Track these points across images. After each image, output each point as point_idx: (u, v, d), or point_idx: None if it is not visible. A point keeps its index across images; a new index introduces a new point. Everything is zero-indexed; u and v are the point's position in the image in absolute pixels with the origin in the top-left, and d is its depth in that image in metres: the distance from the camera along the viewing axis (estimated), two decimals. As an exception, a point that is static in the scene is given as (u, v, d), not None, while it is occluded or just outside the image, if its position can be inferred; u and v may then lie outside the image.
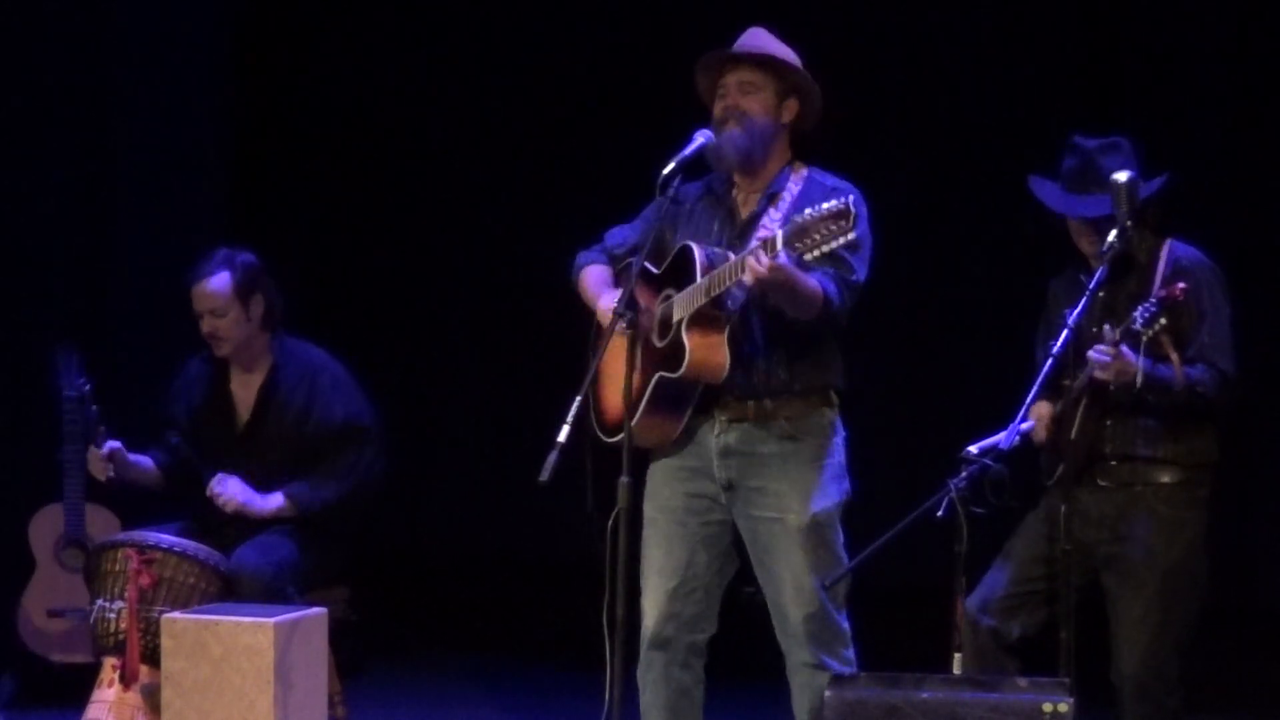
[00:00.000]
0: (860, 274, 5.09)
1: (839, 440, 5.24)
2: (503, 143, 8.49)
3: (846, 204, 4.67)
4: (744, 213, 5.24)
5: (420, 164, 8.61)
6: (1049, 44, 7.61)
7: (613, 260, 5.42)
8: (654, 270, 5.24)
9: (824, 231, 4.68)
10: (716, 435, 5.19)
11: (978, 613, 5.32)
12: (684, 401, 5.17)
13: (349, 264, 8.63)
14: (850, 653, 5.18)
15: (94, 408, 6.23)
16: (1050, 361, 5.04)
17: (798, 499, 5.13)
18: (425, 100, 8.60)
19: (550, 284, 8.25)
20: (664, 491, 5.26)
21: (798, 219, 4.74)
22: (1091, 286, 5.08)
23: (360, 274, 8.64)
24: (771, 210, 5.17)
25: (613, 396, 5.17)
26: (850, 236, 4.68)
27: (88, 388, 6.30)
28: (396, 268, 8.65)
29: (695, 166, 5.15)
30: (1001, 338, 7.28)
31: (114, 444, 6.19)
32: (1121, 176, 5.14)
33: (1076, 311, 5.01)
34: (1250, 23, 7.33)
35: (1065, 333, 4.98)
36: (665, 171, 4.98)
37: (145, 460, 6.31)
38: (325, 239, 8.59)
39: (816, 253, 4.72)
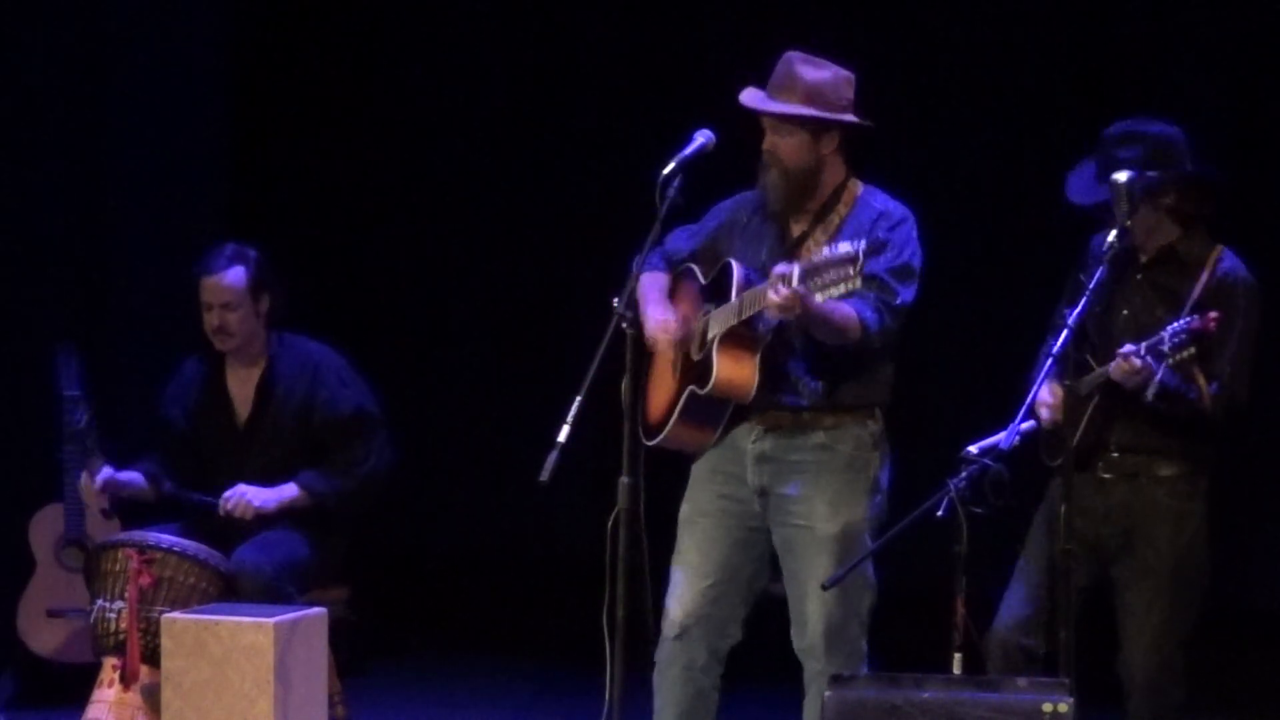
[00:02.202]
0: (904, 296, 5.11)
1: (879, 455, 5.23)
2: (504, 141, 8.49)
3: (856, 252, 4.70)
4: (794, 231, 5.26)
5: (421, 163, 8.61)
6: (1049, 46, 7.61)
7: (671, 266, 5.43)
8: (702, 280, 5.28)
9: (832, 275, 4.73)
10: (753, 441, 5.21)
11: (1006, 633, 5.30)
12: (716, 415, 5.20)
13: (349, 263, 8.63)
14: (865, 672, 5.15)
15: (94, 436, 6.22)
16: (1050, 362, 5.04)
17: (827, 507, 5.14)
18: (426, 98, 8.59)
19: (551, 283, 8.29)
20: (702, 494, 5.28)
21: (814, 258, 4.77)
22: (1091, 286, 5.08)
23: (360, 273, 8.64)
24: (818, 232, 5.20)
25: (656, 398, 5.24)
26: (856, 284, 4.71)
27: (83, 419, 6.28)
28: (397, 266, 8.65)
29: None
30: (1001, 337, 7.30)
31: (106, 474, 6.18)
32: (1120, 176, 5.14)
33: (1076, 313, 5.01)
34: (1251, 22, 7.33)
35: (1064, 333, 4.98)
36: (665, 171, 4.98)
37: (135, 477, 6.28)
38: (325, 238, 8.58)
39: (825, 294, 4.77)
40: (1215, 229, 5.41)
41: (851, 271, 4.69)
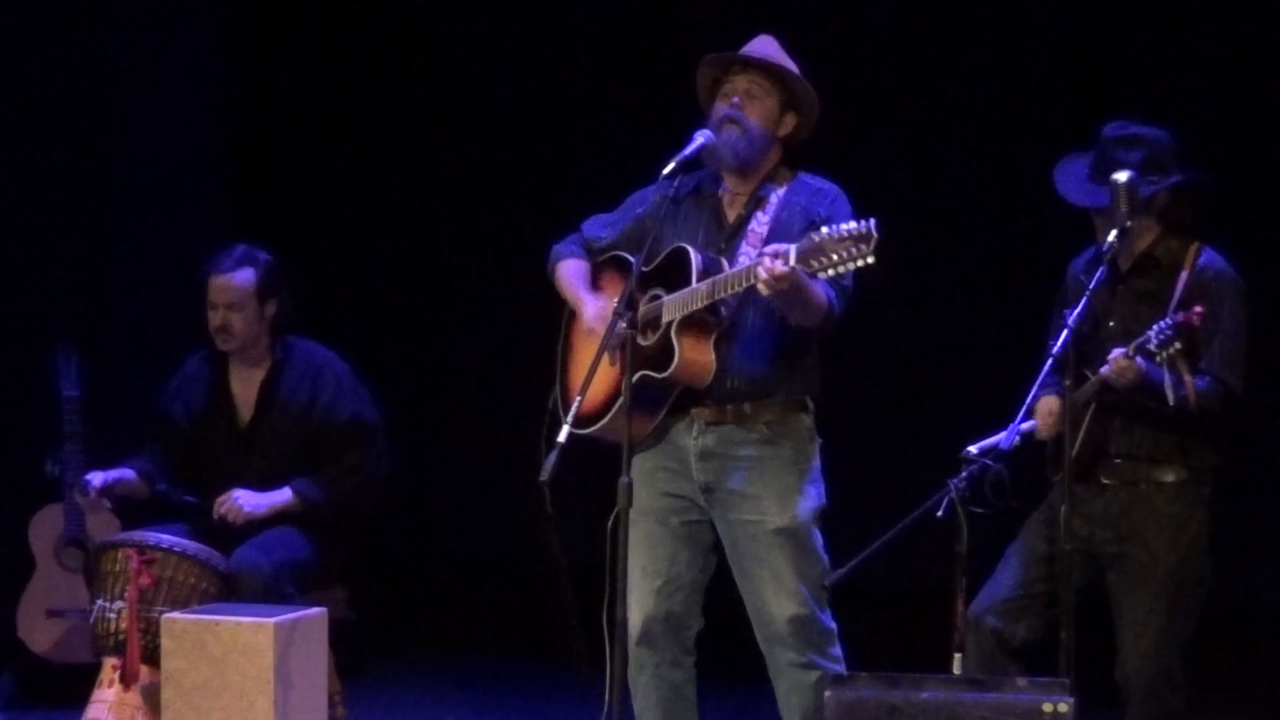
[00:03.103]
0: (849, 279, 5.07)
1: (814, 447, 5.26)
2: (505, 143, 8.48)
3: (869, 228, 4.69)
4: (730, 216, 5.26)
5: (421, 163, 8.60)
6: (1047, 43, 7.61)
7: (590, 254, 5.43)
8: (642, 268, 5.23)
9: (843, 253, 4.70)
10: (695, 438, 5.20)
11: (982, 615, 5.31)
12: (661, 402, 5.18)
13: (349, 264, 8.62)
14: (837, 650, 5.19)
15: (74, 471, 6.23)
16: (1050, 362, 5.04)
17: (777, 501, 5.15)
18: (427, 98, 8.59)
19: (551, 285, 8.27)
20: (643, 493, 5.22)
21: (815, 238, 4.75)
22: (1091, 287, 5.09)
23: (360, 274, 8.63)
24: (759, 214, 5.20)
25: (588, 388, 5.17)
26: (870, 260, 4.69)
27: (69, 454, 6.30)
28: (397, 268, 8.64)
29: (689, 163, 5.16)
30: (1001, 337, 7.29)
31: (95, 483, 6.16)
32: (1121, 176, 5.14)
33: (1076, 313, 5.01)
34: (1250, 20, 7.32)
35: (1065, 333, 4.98)
36: (665, 171, 4.98)
37: (126, 474, 6.27)
38: (325, 239, 8.58)
39: (831, 272, 4.75)
40: (1197, 229, 5.41)
41: (866, 249, 4.68)
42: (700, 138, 5.09)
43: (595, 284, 5.38)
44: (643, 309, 5.18)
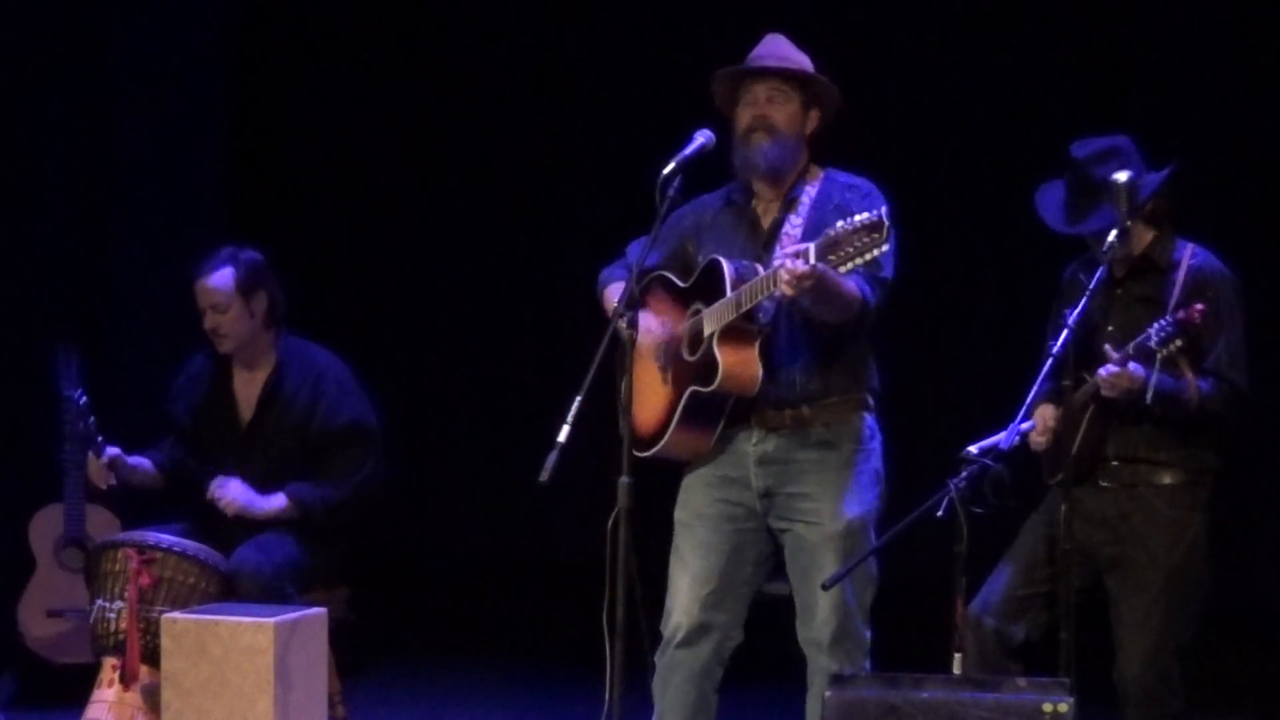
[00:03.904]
0: (888, 270, 5.10)
1: (875, 445, 5.24)
2: (504, 143, 8.49)
3: (880, 216, 4.68)
4: (765, 222, 5.26)
5: (420, 164, 8.61)
6: (1050, 40, 7.62)
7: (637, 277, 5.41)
8: (680, 284, 5.27)
9: (857, 244, 4.70)
10: (754, 444, 5.20)
11: (981, 615, 5.31)
12: (716, 415, 5.18)
13: (348, 264, 8.63)
14: (867, 665, 5.18)
15: (91, 419, 6.22)
16: (1050, 361, 5.04)
17: (832, 504, 5.14)
18: (426, 98, 8.60)
19: (550, 284, 8.29)
20: (699, 499, 5.27)
21: (830, 232, 4.74)
22: (1091, 287, 5.08)
23: (360, 274, 8.64)
24: (791, 216, 5.21)
25: (645, 411, 5.20)
26: (884, 248, 4.69)
27: (84, 399, 6.28)
28: (396, 267, 8.65)
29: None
30: (1002, 337, 7.31)
31: (113, 451, 6.18)
32: (1121, 176, 5.14)
33: (1076, 312, 5.01)
34: (1252, 18, 7.33)
35: (1065, 333, 4.98)
36: (665, 171, 4.97)
37: (144, 462, 6.31)
38: (324, 239, 8.59)
39: (849, 265, 4.74)
40: (1180, 226, 5.42)
41: (879, 237, 4.67)
42: (700, 137, 5.07)
43: (642, 304, 5.35)
44: (688, 323, 5.20)
